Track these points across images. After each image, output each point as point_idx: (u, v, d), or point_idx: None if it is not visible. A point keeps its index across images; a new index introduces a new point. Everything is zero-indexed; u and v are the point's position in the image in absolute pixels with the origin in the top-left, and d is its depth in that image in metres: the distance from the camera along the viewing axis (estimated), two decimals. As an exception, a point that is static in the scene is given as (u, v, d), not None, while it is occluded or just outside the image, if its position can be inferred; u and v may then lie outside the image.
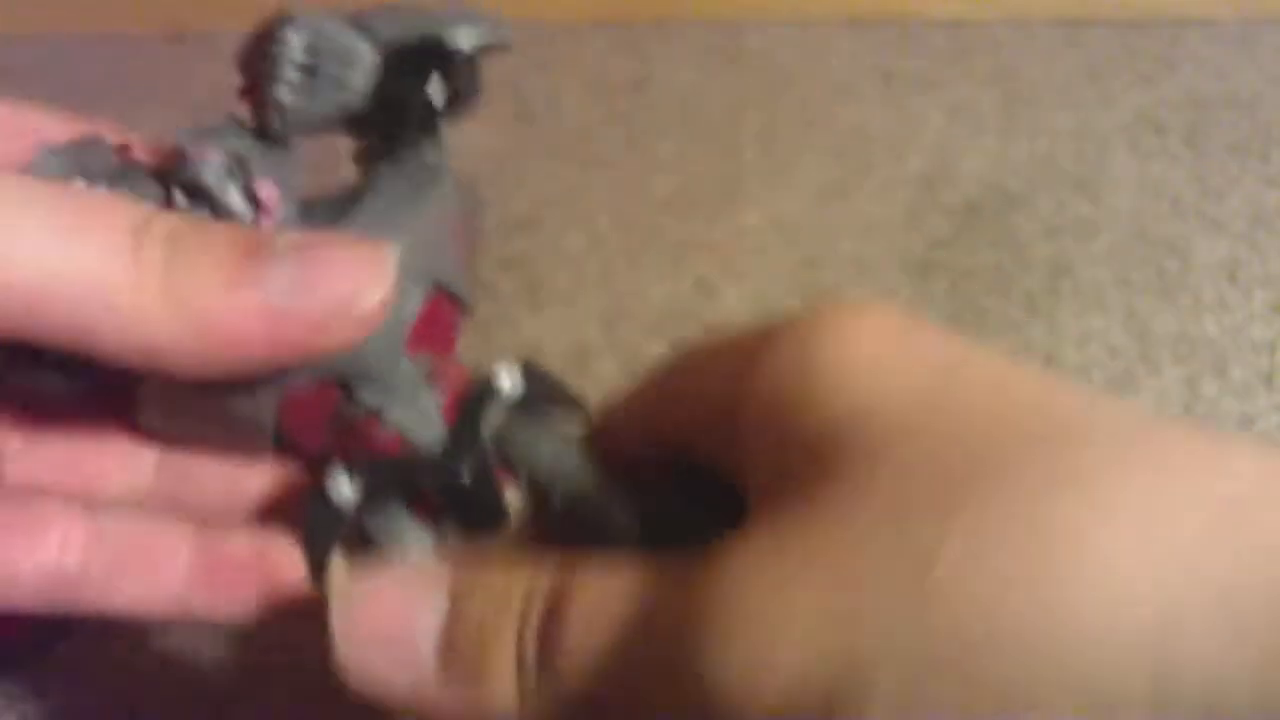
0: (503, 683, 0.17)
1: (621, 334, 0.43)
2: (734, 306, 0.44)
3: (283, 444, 0.23)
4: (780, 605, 0.15)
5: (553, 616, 0.17)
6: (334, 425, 0.22)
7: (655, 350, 0.42)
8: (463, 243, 0.26)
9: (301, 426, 0.22)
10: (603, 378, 0.41)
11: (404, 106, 0.26)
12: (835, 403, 0.16)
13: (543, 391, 0.24)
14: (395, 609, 0.18)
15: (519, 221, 0.49)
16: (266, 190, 0.23)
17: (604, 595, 0.17)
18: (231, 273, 0.17)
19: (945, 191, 0.51)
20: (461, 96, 0.26)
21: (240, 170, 0.23)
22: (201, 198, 0.22)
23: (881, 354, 0.17)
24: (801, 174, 0.52)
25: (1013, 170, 0.52)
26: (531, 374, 0.24)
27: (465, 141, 0.57)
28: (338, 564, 0.20)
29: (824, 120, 0.57)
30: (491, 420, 0.22)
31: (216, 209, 0.22)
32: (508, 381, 0.23)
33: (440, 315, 0.24)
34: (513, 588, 0.18)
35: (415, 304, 0.23)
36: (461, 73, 0.26)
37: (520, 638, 0.17)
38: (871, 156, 0.54)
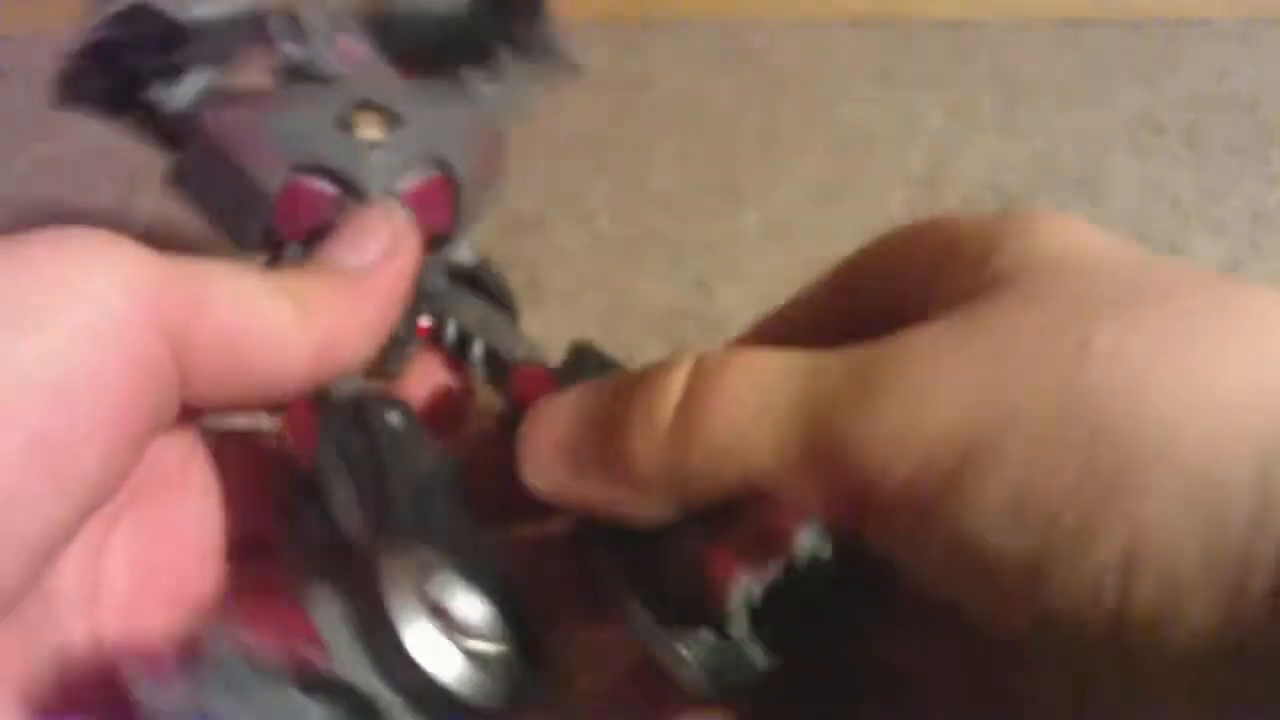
0: (643, 455, 0.18)
1: (621, 334, 0.43)
2: (734, 306, 0.44)
3: (271, 226, 0.25)
4: (933, 372, 0.16)
5: (701, 386, 0.18)
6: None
7: (655, 350, 0.42)
8: (484, 160, 0.30)
9: (292, 214, 0.25)
10: (603, 378, 0.41)
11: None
12: (1018, 253, 0.18)
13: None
14: (557, 417, 0.20)
15: (519, 221, 0.49)
16: (352, 44, 0.28)
17: (761, 367, 0.18)
18: (337, 285, 0.22)
19: (945, 191, 0.51)
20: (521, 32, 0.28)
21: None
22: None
23: (1068, 235, 0.19)
24: (801, 174, 0.52)
25: (1013, 170, 0.52)
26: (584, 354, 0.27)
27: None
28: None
29: (824, 120, 0.57)
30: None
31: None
32: None
33: (436, 191, 0.27)
34: (663, 371, 0.19)
35: (414, 176, 0.26)
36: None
37: (657, 409, 0.18)
38: (871, 156, 0.54)
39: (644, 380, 0.19)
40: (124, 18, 0.25)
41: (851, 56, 0.63)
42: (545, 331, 0.42)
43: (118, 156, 0.55)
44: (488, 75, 0.30)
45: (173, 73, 0.27)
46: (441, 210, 0.27)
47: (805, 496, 0.17)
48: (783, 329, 0.24)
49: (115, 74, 0.27)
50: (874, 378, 0.16)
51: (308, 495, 0.21)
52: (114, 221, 0.52)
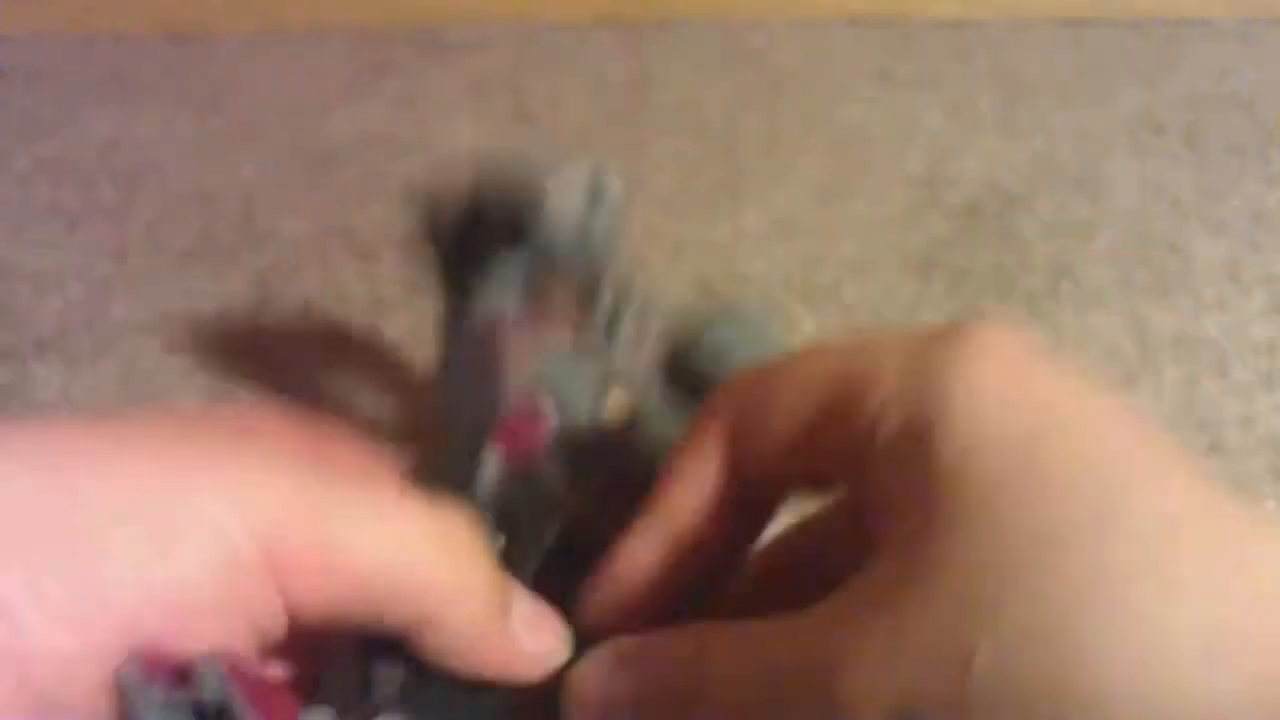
0: None
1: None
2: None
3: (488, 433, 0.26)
4: (886, 650, 0.18)
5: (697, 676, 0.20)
6: None
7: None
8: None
9: (514, 434, 0.26)
10: (603, 378, 0.41)
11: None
12: (951, 446, 0.18)
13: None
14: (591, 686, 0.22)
15: (519, 221, 0.49)
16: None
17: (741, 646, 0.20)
18: (500, 609, 0.22)
19: (945, 191, 0.51)
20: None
21: None
22: None
23: (998, 390, 0.18)
24: (801, 174, 0.52)
25: (1013, 170, 0.52)
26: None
27: (466, 141, 0.57)
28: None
29: (824, 120, 0.57)
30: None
31: None
32: None
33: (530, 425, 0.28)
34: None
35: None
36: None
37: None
38: (871, 156, 0.54)
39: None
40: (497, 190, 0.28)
41: (851, 56, 0.63)
42: (545, 331, 0.42)
43: (118, 156, 0.56)
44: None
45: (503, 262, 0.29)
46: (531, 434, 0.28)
47: None
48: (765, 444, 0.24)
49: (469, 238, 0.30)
50: (839, 650, 0.18)
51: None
52: (115, 222, 0.52)
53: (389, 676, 0.21)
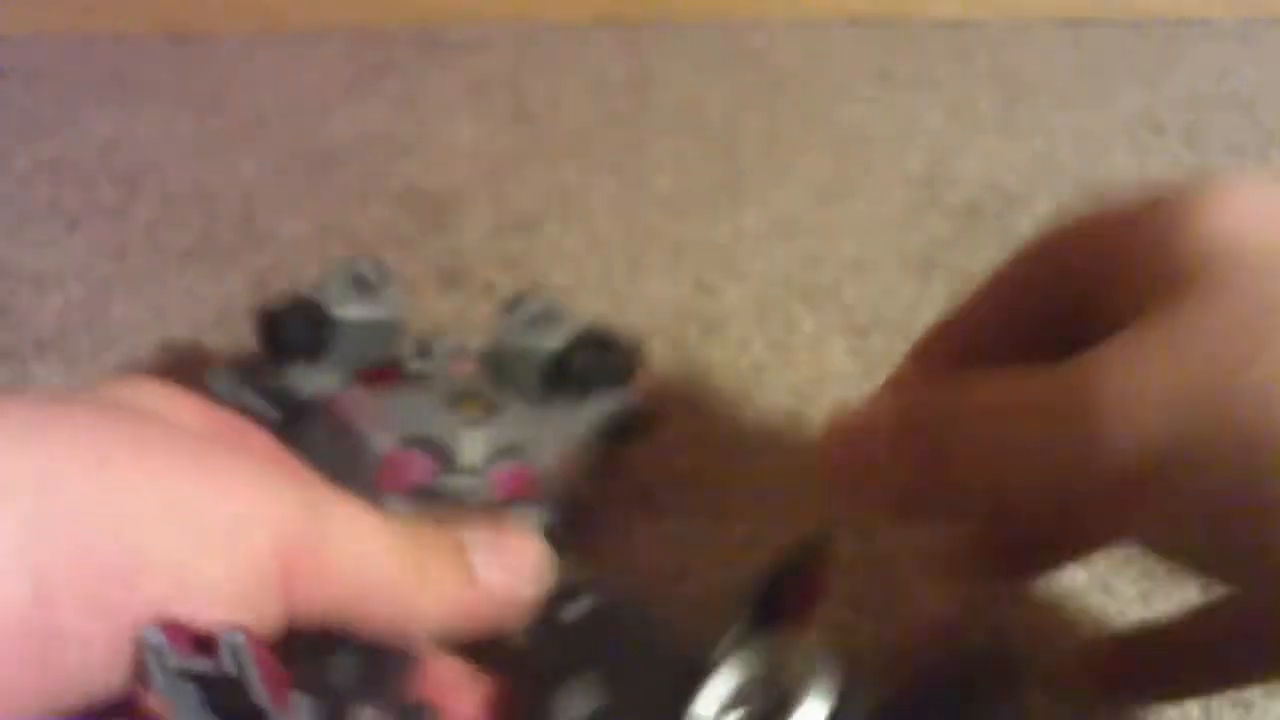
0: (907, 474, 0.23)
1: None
2: (734, 306, 0.44)
3: (373, 482, 0.29)
4: (1138, 389, 0.19)
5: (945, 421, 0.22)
6: None
7: (655, 350, 0.42)
8: (564, 463, 0.33)
9: (393, 475, 0.29)
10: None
11: None
12: (1202, 243, 0.20)
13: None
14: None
15: (519, 221, 0.49)
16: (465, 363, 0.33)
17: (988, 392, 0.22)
18: (464, 573, 0.22)
19: (945, 191, 0.51)
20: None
21: None
22: None
23: (1248, 210, 0.20)
24: (801, 174, 0.52)
25: (1013, 170, 0.52)
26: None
27: (466, 141, 0.57)
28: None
29: (824, 120, 0.57)
30: None
31: None
32: None
33: (518, 480, 0.31)
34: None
35: (503, 462, 0.31)
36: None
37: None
38: (871, 156, 0.54)
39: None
40: (291, 306, 0.32)
41: (851, 56, 0.63)
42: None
43: (118, 156, 0.56)
44: (579, 397, 0.33)
45: (314, 360, 0.32)
46: (519, 496, 0.30)
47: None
48: (966, 334, 0.27)
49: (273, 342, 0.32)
50: (1092, 395, 0.20)
51: None
52: (115, 222, 0.52)
53: (347, 665, 0.22)
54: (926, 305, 0.44)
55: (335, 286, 0.33)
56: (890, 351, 0.41)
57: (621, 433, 0.33)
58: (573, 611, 0.24)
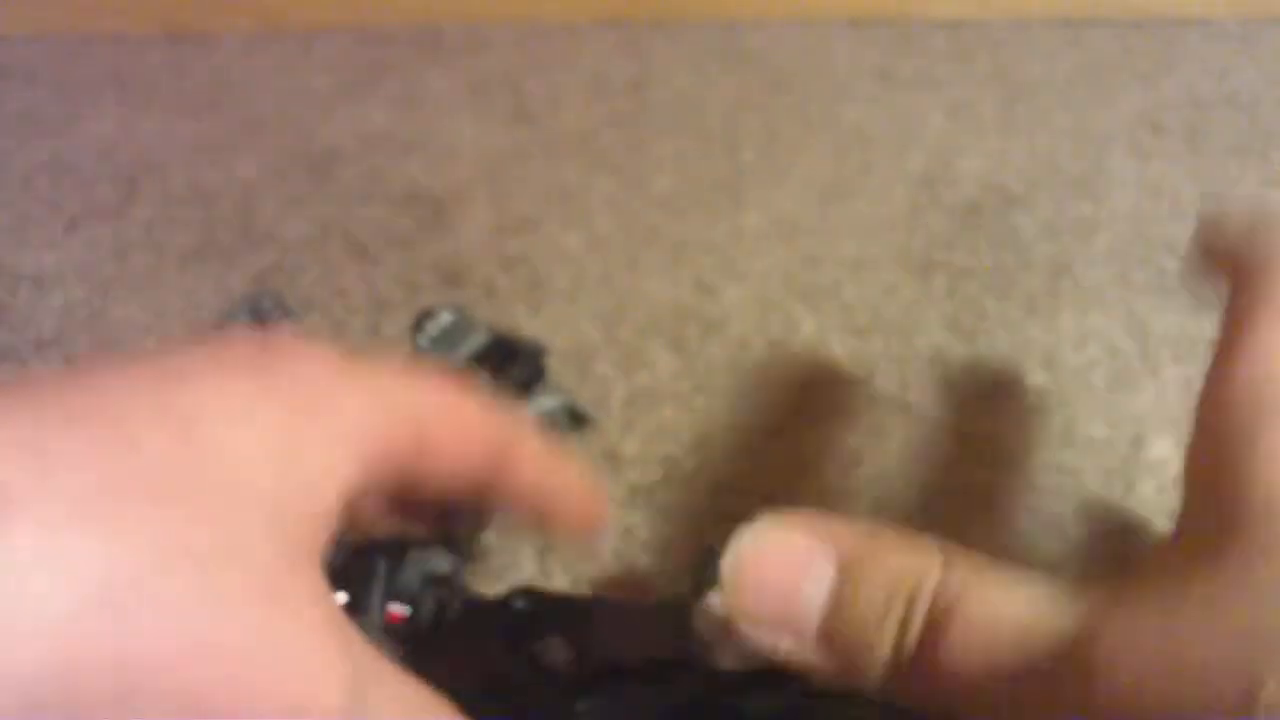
0: (877, 663, 0.20)
1: (621, 334, 0.43)
2: (734, 306, 0.44)
3: None
4: (1161, 655, 0.17)
5: (942, 615, 0.19)
6: None
7: (655, 350, 0.42)
8: None
9: None
10: (603, 378, 0.41)
11: None
12: (1260, 490, 0.18)
13: None
14: (783, 572, 0.21)
15: (519, 221, 0.49)
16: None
17: (996, 610, 0.19)
18: None
19: (945, 191, 0.51)
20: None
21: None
22: None
23: None
24: (801, 174, 0.52)
25: (1013, 170, 0.52)
26: None
27: (466, 141, 0.57)
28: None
29: (824, 120, 0.57)
30: None
31: None
32: None
33: None
34: (904, 576, 0.20)
35: None
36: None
37: (904, 626, 0.19)
38: (871, 156, 0.54)
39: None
40: None
41: (851, 56, 0.63)
42: (545, 331, 0.42)
43: (118, 156, 0.56)
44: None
45: None
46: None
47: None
48: None
49: None
50: (1110, 652, 0.18)
51: None
52: (115, 222, 0.52)
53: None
54: (926, 305, 0.44)
55: (236, 321, 0.33)
56: (890, 351, 0.41)
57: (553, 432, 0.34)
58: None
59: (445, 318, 0.34)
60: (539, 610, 0.26)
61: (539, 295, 0.45)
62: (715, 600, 0.22)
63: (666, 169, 0.53)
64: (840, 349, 0.42)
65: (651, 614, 0.26)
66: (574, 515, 0.25)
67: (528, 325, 0.43)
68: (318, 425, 0.19)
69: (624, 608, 0.27)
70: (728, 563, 0.21)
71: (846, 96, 0.59)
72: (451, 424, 0.22)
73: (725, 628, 0.22)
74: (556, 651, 0.25)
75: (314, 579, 0.18)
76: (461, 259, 0.47)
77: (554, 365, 0.36)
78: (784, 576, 0.21)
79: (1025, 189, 0.51)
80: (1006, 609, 0.19)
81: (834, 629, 0.20)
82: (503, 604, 0.26)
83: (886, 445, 0.37)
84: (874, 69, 0.61)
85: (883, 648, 0.20)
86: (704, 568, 0.24)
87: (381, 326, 0.44)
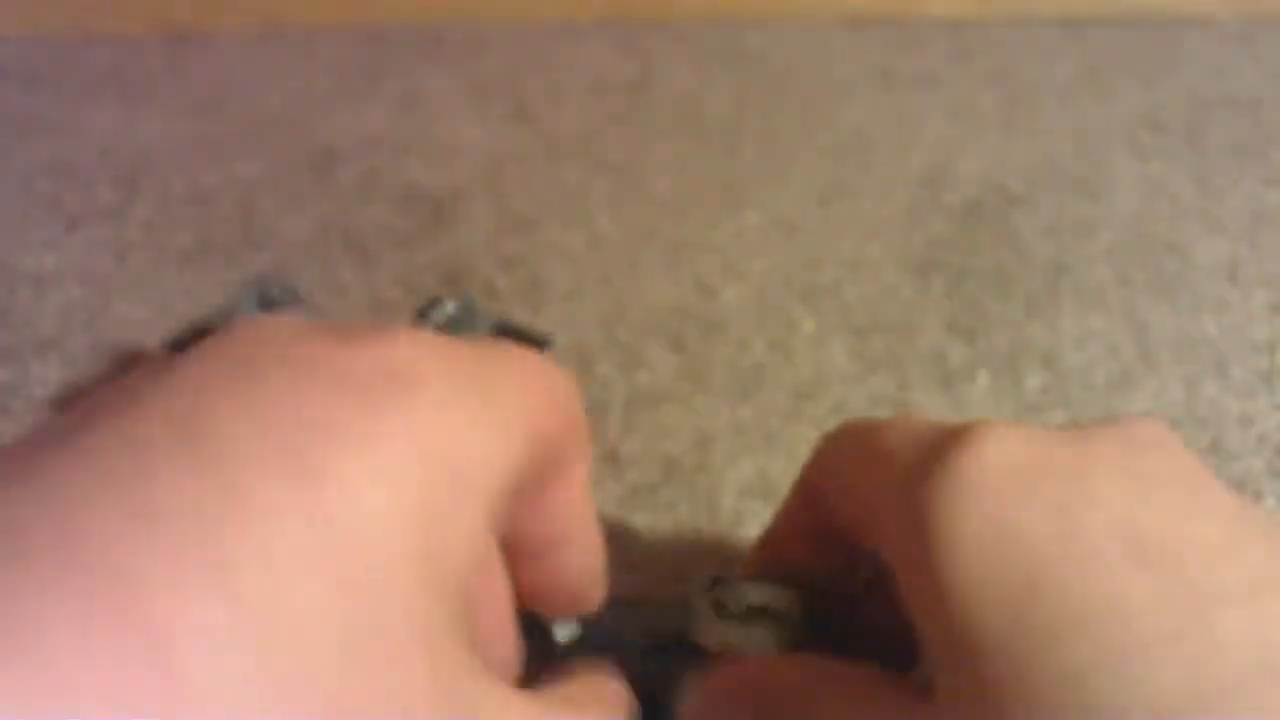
0: None
1: (621, 334, 0.43)
2: (734, 306, 0.44)
3: None
4: None
5: None
6: None
7: (655, 350, 0.42)
8: None
9: None
10: (603, 378, 0.41)
11: None
12: (946, 585, 0.18)
13: None
14: None
15: (519, 221, 0.49)
16: None
17: None
18: None
19: (945, 191, 0.51)
20: None
21: None
22: None
23: (979, 543, 0.18)
24: (801, 174, 0.52)
25: (1013, 170, 0.52)
26: None
27: (466, 141, 0.57)
28: None
29: (824, 120, 0.57)
30: None
31: None
32: None
33: None
34: None
35: None
36: None
37: None
38: (871, 156, 0.54)
39: None
40: (194, 334, 0.32)
41: (851, 56, 0.63)
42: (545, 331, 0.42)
43: (118, 156, 0.56)
44: None
45: None
46: None
47: None
48: (777, 547, 0.27)
49: None
50: None
51: None
52: (115, 222, 0.52)
53: None
54: (926, 305, 0.44)
55: (243, 309, 0.33)
56: (890, 351, 0.41)
57: None
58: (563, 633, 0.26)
59: (450, 306, 0.34)
60: None
61: (539, 295, 0.45)
62: (712, 633, 0.23)
63: (666, 169, 0.53)
64: (840, 349, 0.42)
65: (655, 606, 0.27)
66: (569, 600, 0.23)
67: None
68: (452, 471, 0.16)
69: (631, 599, 0.27)
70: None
71: (846, 96, 0.59)
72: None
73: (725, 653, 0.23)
74: (565, 630, 0.25)
75: (473, 665, 0.16)
76: (461, 259, 0.47)
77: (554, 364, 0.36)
78: None
79: (1025, 189, 0.51)
80: None
81: None
82: None
83: (886, 445, 0.37)
84: (874, 69, 0.61)
85: None
86: (701, 595, 0.25)
87: (381, 326, 0.44)
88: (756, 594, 0.24)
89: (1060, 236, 0.47)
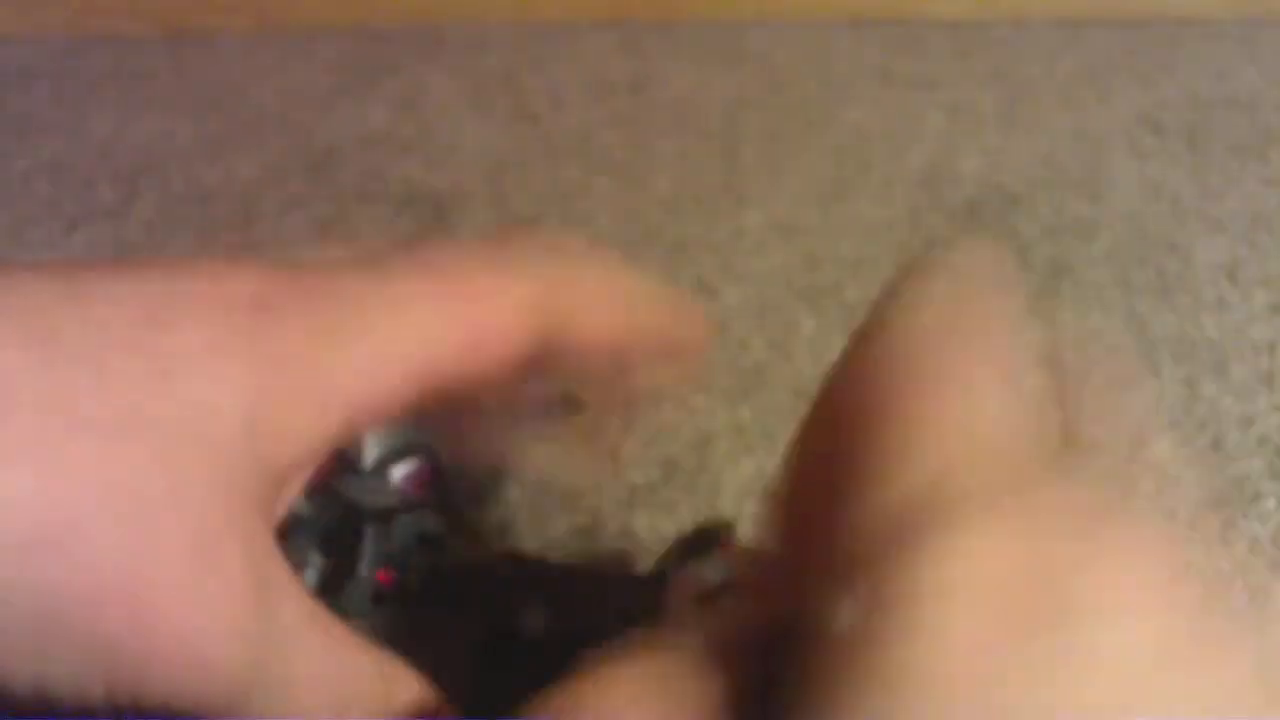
0: None
1: (621, 334, 0.43)
2: (734, 306, 0.44)
3: None
4: None
5: None
6: None
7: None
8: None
9: None
10: (603, 378, 0.41)
11: None
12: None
13: None
14: None
15: (519, 221, 0.49)
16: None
17: None
18: None
19: (945, 191, 0.51)
20: None
21: None
22: None
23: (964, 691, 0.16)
24: (801, 174, 0.52)
25: (1013, 170, 0.52)
26: None
27: (466, 141, 0.57)
28: None
29: (824, 120, 0.57)
30: None
31: None
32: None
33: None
34: None
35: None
36: None
37: None
38: (871, 156, 0.54)
39: None
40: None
41: (851, 56, 0.63)
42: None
43: (118, 156, 0.56)
44: None
45: None
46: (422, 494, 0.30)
47: None
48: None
49: None
50: None
51: None
52: (115, 222, 0.52)
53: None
54: (926, 305, 0.44)
55: None
56: (890, 351, 0.41)
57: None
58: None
59: None
60: (520, 576, 0.26)
61: (539, 295, 0.45)
62: (696, 571, 0.23)
63: (666, 169, 0.53)
64: (840, 349, 0.42)
65: (629, 585, 0.27)
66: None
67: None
68: (300, 382, 0.18)
69: (603, 577, 0.27)
70: None
71: (846, 96, 0.59)
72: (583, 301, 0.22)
73: (697, 601, 0.22)
74: (534, 619, 0.25)
75: (253, 538, 0.18)
76: (461, 259, 0.47)
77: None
78: None
79: (1025, 189, 0.51)
80: None
81: None
82: (486, 568, 0.26)
83: (886, 445, 0.37)
84: (874, 69, 0.61)
85: None
86: (692, 541, 0.25)
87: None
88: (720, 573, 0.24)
89: (1060, 236, 0.47)
